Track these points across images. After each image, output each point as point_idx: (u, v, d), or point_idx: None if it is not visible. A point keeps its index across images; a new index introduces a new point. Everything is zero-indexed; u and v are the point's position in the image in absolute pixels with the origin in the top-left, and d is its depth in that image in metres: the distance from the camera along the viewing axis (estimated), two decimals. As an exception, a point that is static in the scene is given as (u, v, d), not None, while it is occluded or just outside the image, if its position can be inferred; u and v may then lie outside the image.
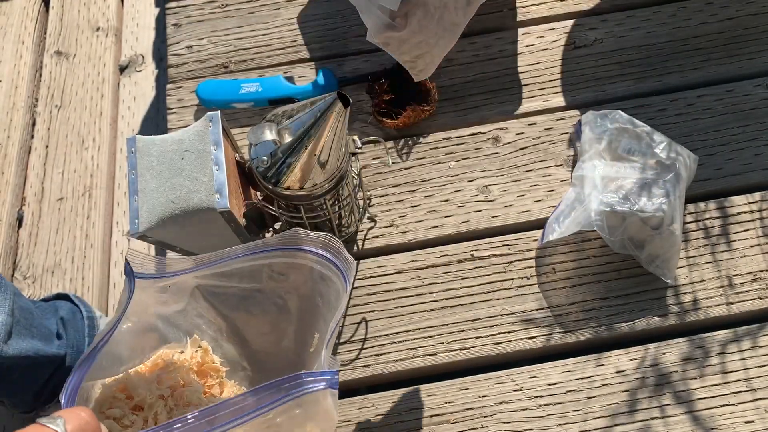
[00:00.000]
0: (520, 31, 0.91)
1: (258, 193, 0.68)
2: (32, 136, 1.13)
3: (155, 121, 1.15)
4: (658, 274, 0.73)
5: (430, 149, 0.84)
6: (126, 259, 0.51)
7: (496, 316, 0.75)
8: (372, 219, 0.80)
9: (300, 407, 0.46)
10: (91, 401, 0.52)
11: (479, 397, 0.71)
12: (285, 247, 0.54)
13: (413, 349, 0.74)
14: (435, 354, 0.73)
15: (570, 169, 0.81)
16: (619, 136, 0.76)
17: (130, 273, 0.51)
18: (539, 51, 0.89)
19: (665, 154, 0.74)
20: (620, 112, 0.77)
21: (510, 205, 0.80)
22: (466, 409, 0.71)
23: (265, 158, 0.60)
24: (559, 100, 0.86)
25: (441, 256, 0.78)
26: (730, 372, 0.71)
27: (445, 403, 0.71)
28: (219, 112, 0.62)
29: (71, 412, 0.36)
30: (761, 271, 0.75)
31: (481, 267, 0.77)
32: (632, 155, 0.74)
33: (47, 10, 1.25)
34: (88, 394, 0.52)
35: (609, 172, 0.73)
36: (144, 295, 0.53)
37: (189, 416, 0.41)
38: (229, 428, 0.42)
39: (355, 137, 0.67)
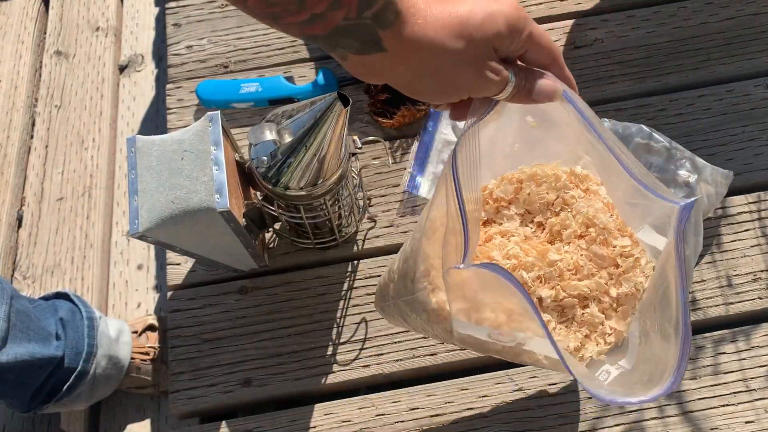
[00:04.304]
0: (520, 31, 0.91)
1: (258, 193, 0.68)
2: (32, 137, 1.13)
3: (155, 121, 1.14)
4: None
5: (430, 149, 0.84)
6: None
7: (496, 316, 0.74)
8: (372, 219, 0.80)
9: None
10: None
11: (479, 397, 0.71)
12: None
13: (413, 349, 0.74)
14: (435, 354, 0.73)
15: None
16: (640, 151, 0.75)
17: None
18: (539, 51, 0.89)
19: (684, 171, 0.73)
20: (643, 126, 0.77)
21: (510, 205, 0.80)
22: (466, 409, 0.71)
23: (265, 158, 0.60)
24: (559, 100, 0.86)
25: (441, 256, 0.78)
26: (729, 372, 0.71)
27: (445, 403, 0.71)
28: (219, 112, 0.62)
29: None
30: (761, 271, 0.75)
31: (481, 267, 0.77)
32: (654, 173, 0.74)
33: (47, 10, 1.25)
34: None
35: None
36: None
37: None
38: None
39: (355, 137, 0.67)
